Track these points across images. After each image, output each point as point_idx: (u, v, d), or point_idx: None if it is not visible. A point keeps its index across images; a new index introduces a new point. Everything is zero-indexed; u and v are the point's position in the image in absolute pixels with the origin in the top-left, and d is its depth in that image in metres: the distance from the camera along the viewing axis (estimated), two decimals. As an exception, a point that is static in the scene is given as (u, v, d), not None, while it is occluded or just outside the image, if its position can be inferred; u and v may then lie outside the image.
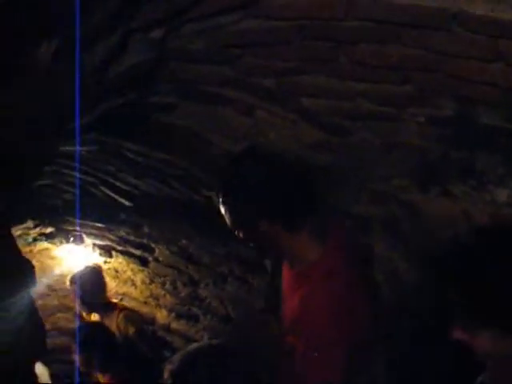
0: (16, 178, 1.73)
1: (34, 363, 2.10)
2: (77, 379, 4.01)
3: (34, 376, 4.12)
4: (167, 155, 2.95)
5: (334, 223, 2.25)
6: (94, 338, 3.84)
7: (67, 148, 3.11)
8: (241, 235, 2.13)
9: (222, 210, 2.05)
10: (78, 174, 3.48)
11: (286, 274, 2.25)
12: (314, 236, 2.07)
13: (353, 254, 2.15)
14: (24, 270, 1.73)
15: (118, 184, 3.49)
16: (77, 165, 3.31)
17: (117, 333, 4.16)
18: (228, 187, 2.04)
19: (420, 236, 2.56)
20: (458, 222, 2.30)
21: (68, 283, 4.52)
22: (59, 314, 5.49)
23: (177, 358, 2.42)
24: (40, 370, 4.65)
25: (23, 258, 1.84)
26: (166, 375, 2.34)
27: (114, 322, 4.24)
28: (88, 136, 2.76)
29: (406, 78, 2.04)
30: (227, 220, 2.07)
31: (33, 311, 1.84)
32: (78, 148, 2.86)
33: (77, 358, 4.02)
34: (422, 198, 2.42)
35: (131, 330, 4.15)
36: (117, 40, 1.65)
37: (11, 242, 1.82)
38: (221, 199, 2.04)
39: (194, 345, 2.76)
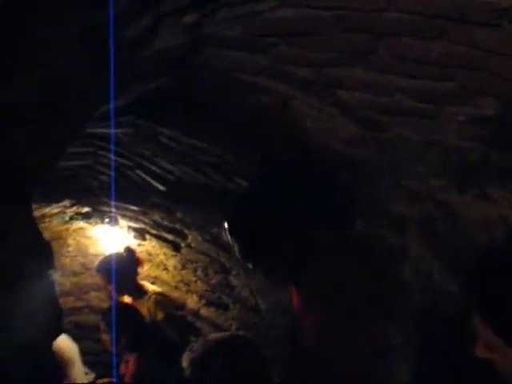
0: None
1: (51, 341, 2.09)
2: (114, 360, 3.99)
3: (56, 352, 4.22)
4: (201, 142, 2.93)
5: None
6: (124, 318, 3.87)
7: (103, 130, 3.14)
8: None
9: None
10: (113, 156, 3.49)
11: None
12: None
13: None
14: (43, 252, 1.73)
15: (153, 168, 3.48)
16: (112, 147, 3.32)
17: (147, 316, 4.18)
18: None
19: (455, 238, 2.48)
20: (495, 227, 2.22)
21: (100, 264, 4.56)
22: (92, 293, 5.56)
23: (198, 346, 2.41)
24: (68, 345, 4.72)
25: (42, 239, 1.84)
26: (185, 363, 2.33)
27: (144, 306, 4.27)
28: (123, 119, 2.76)
29: (448, 74, 1.96)
30: None
31: (50, 291, 1.83)
32: (113, 130, 2.87)
33: (106, 336, 4.06)
34: (459, 200, 2.34)
35: (160, 315, 4.17)
36: (148, 23, 1.62)
37: (31, 223, 1.81)
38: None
39: (216, 334, 2.75)
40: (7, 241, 1.70)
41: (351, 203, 2.58)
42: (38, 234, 1.89)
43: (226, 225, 2.60)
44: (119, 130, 3.02)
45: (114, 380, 3.95)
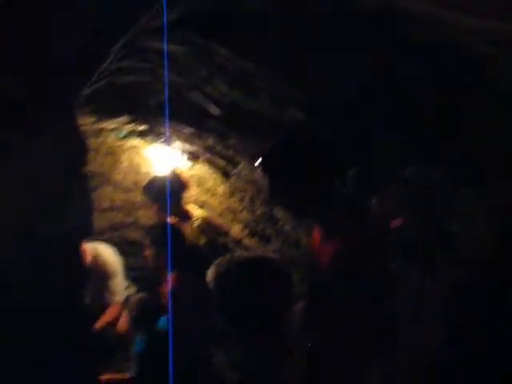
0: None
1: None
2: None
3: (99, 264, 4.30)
4: (258, 67, 2.84)
5: None
6: (166, 236, 3.89)
7: (161, 45, 3.08)
8: None
9: None
10: (167, 73, 3.44)
11: None
12: None
13: None
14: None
15: (208, 90, 3.43)
16: (166, 63, 3.27)
17: (189, 240, 4.21)
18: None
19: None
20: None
21: (147, 185, 4.58)
22: (141, 210, 5.64)
23: (224, 261, 2.42)
24: (112, 258, 4.84)
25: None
26: (210, 276, 2.36)
27: (188, 229, 4.29)
28: (179, 35, 2.70)
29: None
30: None
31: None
32: (165, 45, 2.81)
33: (148, 252, 4.12)
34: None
35: (202, 240, 4.18)
36: None
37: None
38: None
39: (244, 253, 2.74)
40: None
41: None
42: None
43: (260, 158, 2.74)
44: (175, 47, 2.97)
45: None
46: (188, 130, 4.25)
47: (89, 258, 4.69)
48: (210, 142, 4.12)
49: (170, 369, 2.99)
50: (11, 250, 1.89)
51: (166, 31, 2.24)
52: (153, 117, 4.45)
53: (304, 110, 2.88)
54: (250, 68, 2.80)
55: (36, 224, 1.92)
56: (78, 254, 3.75)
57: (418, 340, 2.56)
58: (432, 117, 2.45)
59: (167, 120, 4.27)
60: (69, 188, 2.17)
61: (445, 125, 2.40)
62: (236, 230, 4.48)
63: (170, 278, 3.51)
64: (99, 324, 4.71)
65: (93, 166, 5.42)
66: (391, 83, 2.44)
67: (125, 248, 5.66)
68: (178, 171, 4.64)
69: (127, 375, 4.21)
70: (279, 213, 4.08)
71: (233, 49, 2.76)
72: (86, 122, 4.76)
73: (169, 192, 4.14)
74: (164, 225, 4.18)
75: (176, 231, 4.07)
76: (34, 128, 1.86)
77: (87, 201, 2.67)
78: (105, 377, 4.05)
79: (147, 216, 5.52)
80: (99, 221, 5.69)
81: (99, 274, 4.69)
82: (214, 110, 3.65)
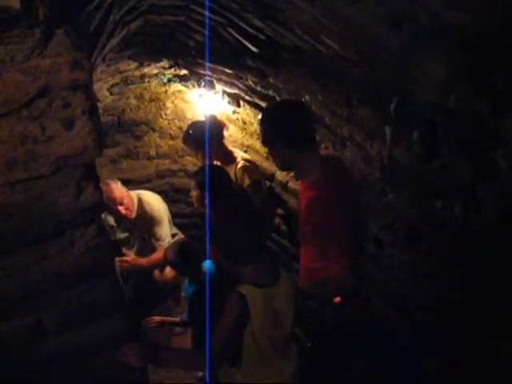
0: None
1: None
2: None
3: (146, 211, 4.30)
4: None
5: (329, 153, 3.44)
6: (210, 177, 3.85)
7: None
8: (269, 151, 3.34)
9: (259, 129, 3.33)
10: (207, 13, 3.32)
11: (301, 185, 3.36)
12: (316, 158, 3.14)
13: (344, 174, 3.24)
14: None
15: (243, 26, 3.29)
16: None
17: (234, 182, 4.17)
18: (264, 120, 3.15)
19: None
20: None
21: (184, 135, 4.54)
22: (187, 157, 5.63)
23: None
24: (159, 204, 4.86)
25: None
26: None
27: (232, 171, 4.24)
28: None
29: None
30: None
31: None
32: None
33: (193, 192, 4.09)
34: None
35: (247, 182, 4.13)
36: None
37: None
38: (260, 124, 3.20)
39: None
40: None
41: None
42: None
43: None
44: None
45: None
46: (229, 71, 4.14)
47: (135, 205, 4.74)
48: (250, 82, 4.00)
49: (207, 309, 3.00)
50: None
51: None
52: (193, 59, 4.36)
53: (338, 40, 2.71)
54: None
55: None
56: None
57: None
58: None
59: (207, 61, 4.18)
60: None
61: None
62: (282, 173, 4.37)
63: (207, 218, 3.46)
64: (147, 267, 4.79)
65: (138, 114, 5.43)
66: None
67: (173, 195, 5.70)
68: (209, 115, 4.57)
69: (178, 318, 4.27)
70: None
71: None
72: (129, 68, 4.73)
73: (207, 137, 4.08)
74: (209, 167, 4.14)
75: (220, 173, 4.03)
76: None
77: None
78: (156, 319, 4.12)
79: (193, 162, 5.51)
80: (147, 168, 5.73)
81: (146, 221, 4.73)
82: (252, 48, 3.52)
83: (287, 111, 3.08)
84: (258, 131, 3.59)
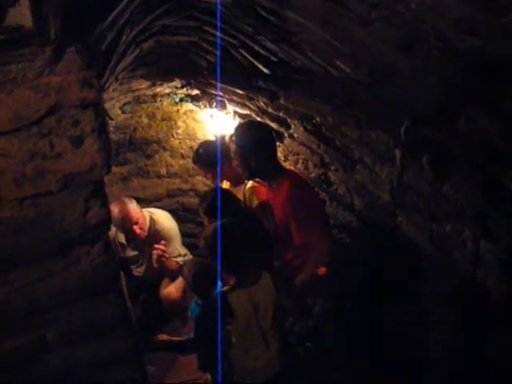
0: None
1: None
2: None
3: (157, 229, 4.30)
4: (303, 19, 2.69)
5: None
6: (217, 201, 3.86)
7: (208, 1, 2.99)
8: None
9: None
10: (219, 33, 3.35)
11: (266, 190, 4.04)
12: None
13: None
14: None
15: (256, 48, 3.32)
16: (218, 23, 3.17)
17: (242, 202, 4.17)
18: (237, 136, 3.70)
19: None
20: None
21: (194, 155, 4.57)
22: (198, 177, 5.65)
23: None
24: (169, 223, 4.88)
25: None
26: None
27: (241, 192, 4.25)
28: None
29: None
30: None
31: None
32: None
33: (203, 218, 4.11)
34: None
35: (255, 203, 4.13)
36: None
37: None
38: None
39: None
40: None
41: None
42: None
43: None
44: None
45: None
46: (240, 92, 4.16)
47: (147, 224, 4.76)
48: (262, 103, 4.02)
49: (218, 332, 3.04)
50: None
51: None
52: (205, 79, 4.38)
53: (350, 62, 2.72)
54: (293, 19, 2.66)
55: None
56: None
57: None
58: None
59: (219, 82, 4.20)
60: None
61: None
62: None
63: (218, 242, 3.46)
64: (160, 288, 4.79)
65: (150, 132, 5.47)
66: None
67: (183, 214, 5.71)
68: (221, 136, 4.60)
69: (183, 338, 4.26)
70: (333, 176, 3.96)
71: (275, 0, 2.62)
72: (142, 87, 4.77)
73: (219, 158, 4.09)
74: (217, 189, 4.15)
75: (227, 194, 4.03)
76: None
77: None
78: (162, 337, 4.11)
79: (203, 182, 5.53)
80: (157, 187, 5.75)
81: (157, 239, 4.74)
82: (264, 69, 3.54)
83: (255, 129, 3.75)
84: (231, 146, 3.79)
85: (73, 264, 1.90)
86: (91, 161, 1.74)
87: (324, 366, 3.73)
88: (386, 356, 3.50)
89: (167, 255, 4.67)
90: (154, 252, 4.62)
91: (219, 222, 3.34)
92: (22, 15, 1.36)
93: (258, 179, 4.14)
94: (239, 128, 3.89)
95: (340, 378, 3.65)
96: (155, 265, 4.65)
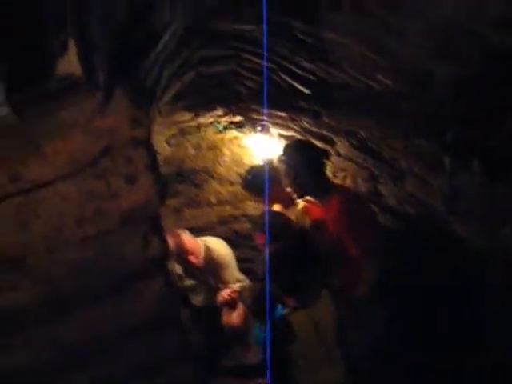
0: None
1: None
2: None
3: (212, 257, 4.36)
4: (339, 36, 2.71)
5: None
6: (271, 223, 3.88)
7: (240, 28, 3.04)
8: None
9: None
10: (265, 63, 3.39)
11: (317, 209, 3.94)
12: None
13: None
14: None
15: (294, 69, 3.34)
16: (265, 51, 3.21)
17: (295, 222, 4.18)
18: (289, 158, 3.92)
19: None
20: None
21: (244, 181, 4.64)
22: (248, 202, 5.67)
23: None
24: (225, 250, 4.91)
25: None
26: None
27: (293, 213, 4.26)
28: (252, 11, 2.64)
29: None
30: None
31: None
32: (265, 31, 2.75)
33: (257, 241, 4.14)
34: None
35: (307, 222, 4.13)
36: None
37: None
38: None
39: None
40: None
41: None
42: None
43: None
44: (252, 27, 2.91)
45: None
46: (282, 114, 4.19)
47: (202, 252, 4.81)
48: (305, 123, 4.03)
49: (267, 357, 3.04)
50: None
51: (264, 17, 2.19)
52: (246, 105, 4.43)
53: (390, 75, 2.71)
54: (329, 38, 2.68)
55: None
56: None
57: None
58: None
59: (265, 107, 4.24)
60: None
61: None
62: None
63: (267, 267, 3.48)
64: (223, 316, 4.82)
65: (197, 162, 5.54)
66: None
67: (235, 240, 5.73)
68: (273, 158, 4.62)
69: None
70: (383, 188, 3.93)
71: (310, 21, 2.65)
72: (185, 119, 4.85)
73: (267, 181, 4.10)
74: (271, 212, 4.18)
75: (279, 216, 4.06)
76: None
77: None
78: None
79: (254, 207, 5.55)
80: (209, 215, 5.80)
81: (213, 266, 4.79)
82: (304, 89, 3.56)
83: (302, 147, 3.93)
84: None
85: (136, 299, 1.94)
86: (146, 196, 1.79)
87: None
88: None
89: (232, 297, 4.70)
90: (220, 299, 4.67)
91: (274, 247, 3.36)
92: (70, 63, 1.43)
93: (308, 198, 4.15)
94: (287, 148, 4.01)
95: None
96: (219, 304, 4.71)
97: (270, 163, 4.55)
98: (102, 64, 1.52)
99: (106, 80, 1.53)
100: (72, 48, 1.38)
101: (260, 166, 4.59)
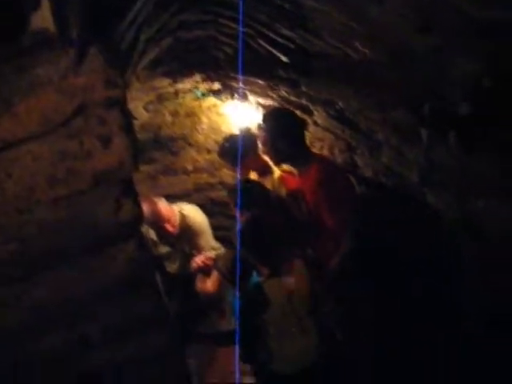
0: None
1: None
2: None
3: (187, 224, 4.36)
4: (318, 3, 2.69)
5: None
6: (248, 192, 3.88)
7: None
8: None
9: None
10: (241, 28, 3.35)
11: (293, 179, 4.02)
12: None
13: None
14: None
15: (273, 36, 3.31)
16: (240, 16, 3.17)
17: (271, 192, 4.18)
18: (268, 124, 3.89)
19: None
20: None
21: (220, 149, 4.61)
22: (225, 170, 5.65)
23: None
24: (199, 217, 4.91)
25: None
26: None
27: (269, 182, 4.26)
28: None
29: None
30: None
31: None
32: None
33: (235, 211, 4.13)
34: None
35: (283, 191, 4.14)
36: None
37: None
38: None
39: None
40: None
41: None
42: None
43: None
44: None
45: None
46: (260, 83, 4.16)
47: (177, 219, 4.80)
48: (283, 92, 4.01)
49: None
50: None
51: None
52: (225, 72, 4.39)
53: (368, 44, 2.70)
54: (308, 5, 2.66)
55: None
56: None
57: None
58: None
59: (240, 74, 4.21)
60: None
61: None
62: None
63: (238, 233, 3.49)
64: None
65: (174, 129, 5.49)
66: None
67: (211, 208, 5.74)
68: (244, 128, 4.61)
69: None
70: (359, 159, 3.95)
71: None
72: (163, 85, 4.79)
73: (241, 149, 4.09)
74: (244, 182, 4.17)
75: (256, 184, 4.06)
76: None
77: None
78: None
79: (231, 175, 5.53)
80: (185, 183, 5.79)
81: (188, 234, 4.79)
82: (283, 57, 3.54)
83: (282, 115, 3.90)
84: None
85: (108, 262, 1.94)
86: (119, 159, 1.77)
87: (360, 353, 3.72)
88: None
89: (207, 264, 4.70)
90: (194, 266, 4.67)
91: (250, 215, 3.36)
92: (44, 19, 1.40)
93: (286, 167, 4.16)
94: (267, 115, 4.02)
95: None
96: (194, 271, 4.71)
97: (247, 131, 4.53)
98: (76, 20, 1.49)
99: (79, 37, 1.50)
100: (45, 2, 1.35)
101: (237, 135, 4.56)
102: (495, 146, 2.55)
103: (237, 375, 3.26)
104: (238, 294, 3.62)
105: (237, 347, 3.59)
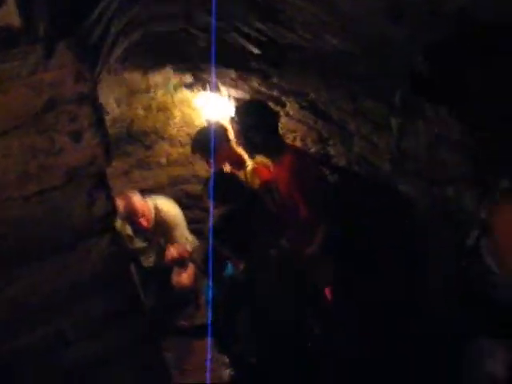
0: None
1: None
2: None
3: (162, 217, 4.34)
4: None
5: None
6: (222, 184, 3.89)
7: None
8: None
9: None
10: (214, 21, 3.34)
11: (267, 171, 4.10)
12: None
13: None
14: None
15: (245, 29, 3.31)
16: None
17: (245, 184, 4.19)
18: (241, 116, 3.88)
19: None
20: None
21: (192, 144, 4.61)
22: (199, 163, 5.65)
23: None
24: (174, 210, 4.91)
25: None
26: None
27: (243, 174, 4.27)
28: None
29: None
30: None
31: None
32: None
33: (208, 204, 4.13)
34: None
35: (257, 182, 4.16)
36: None
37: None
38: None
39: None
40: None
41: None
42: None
43: None
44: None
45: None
46: (233, 74, 4.16)
47: (152, 213, 4.79)
48: (255, 83, 4.02)
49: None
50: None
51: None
52: (196, 65, 4.38)
53: (339, 34, 2.72)
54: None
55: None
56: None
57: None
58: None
59: (214, 66, 4.20)
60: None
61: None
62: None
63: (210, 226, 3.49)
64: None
65: (147, 123, 5.47)
66: None
67: (185, 201, 5.73)
68: (215, 122, 4.61)
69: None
70: (332, 150, 3.97)
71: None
72: (135, 79, 4.77)
73: (213, 142, 4.10)
74: (217, 174, 4.18)
75: (229, 176, 4.07)
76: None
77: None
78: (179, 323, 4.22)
79: (205, 168, 5.53)
80: (159, 177, 5.77)
81: (163, 227, 4.79)
82: (255, 50, 3.54)
83: (255, 107, 3.87)
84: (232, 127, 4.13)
85: (83, 257, 1.93)
86: (92, 154, 1.76)
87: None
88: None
89: (182, 256, 4.70)
90: (169, 257, 4.67)
91: (224, 209, 3.37)
92: (9, 15, 1.38)
93: (260, 158, 4.17)
94: (240, 108, 4.03)
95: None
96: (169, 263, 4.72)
97: (216, 123, 4.53)
98: (43, 16, 1.48)
99: (47, 32, 1.49)
100: (10, -3, 1.34)
101: (209, 128, 4.56)
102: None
103: (208, 364, 3.28)
104: (210, 284, 3.64)
105: (209, 338, 3.62)
